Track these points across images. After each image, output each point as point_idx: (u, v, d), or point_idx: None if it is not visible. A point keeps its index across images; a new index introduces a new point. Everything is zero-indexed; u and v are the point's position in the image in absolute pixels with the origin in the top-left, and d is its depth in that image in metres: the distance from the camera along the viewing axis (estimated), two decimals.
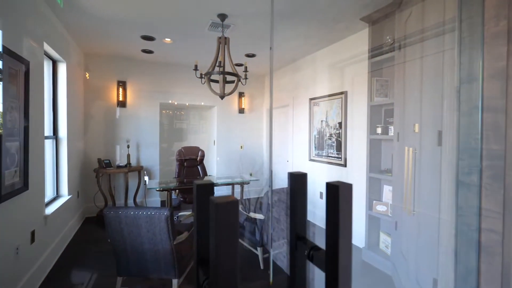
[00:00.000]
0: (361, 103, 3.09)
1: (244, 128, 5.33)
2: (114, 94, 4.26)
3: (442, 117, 1.20)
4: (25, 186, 2.03)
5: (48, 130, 3.00)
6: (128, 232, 1.87)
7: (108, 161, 4.03)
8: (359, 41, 3.10)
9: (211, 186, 0.38)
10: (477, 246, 0.75)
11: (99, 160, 3.97)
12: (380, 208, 2.64)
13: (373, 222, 2.77)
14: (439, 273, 1.24)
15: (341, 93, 3.40)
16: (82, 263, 2.62)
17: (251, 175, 5.35)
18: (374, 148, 2.75)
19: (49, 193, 3.02)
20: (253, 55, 4.09)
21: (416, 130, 1.66)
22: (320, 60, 3.84)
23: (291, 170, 4.55)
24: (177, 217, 3.92)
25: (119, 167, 4.06)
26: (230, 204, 0.29)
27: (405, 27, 2.16)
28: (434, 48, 1.39)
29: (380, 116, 2.76)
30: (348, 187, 0.33)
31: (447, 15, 1.16)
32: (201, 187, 0.38)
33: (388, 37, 2.67)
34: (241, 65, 4.56)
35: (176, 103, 4.73)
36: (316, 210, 3.92)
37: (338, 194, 0.32)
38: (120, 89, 4.27)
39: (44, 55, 2.69)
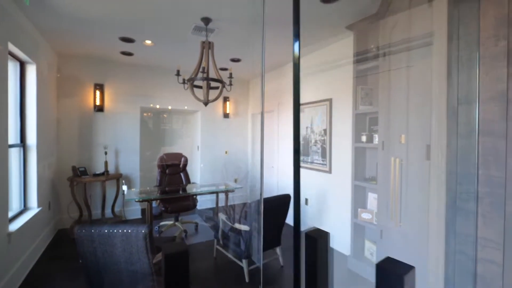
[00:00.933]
0: (346, 110, 3.10)
1: (229, 134, 5.24)
2: (90, 97, 4.02)
3: (431, 132, 1.18)
4: None
5: (14, 138, 2.75)
6: (101, 251, 1.71)
7: (83, 169, 3.78)
8: (345, 49, 3.12)
9: (185, 255, 0.30)
10: (473, 277, 0.72)
11: (74, 168, 3.72)
12: (365, 216, 2.64)
13: (358, 230, 2.76)
14: None
15: (326, 100, 3.40)
16: (51, 284, 2.40)
17: (235, 181, 5.25)
18: (359, 155, 2.75)
19: (15, 206, 2.76)
20: (238, 60, 4.02)
21: (403, 141, 1.65)
22: (305, 67, 3.84)
23: (276, 177, 4.51)
24: (158, 227, 3.74)
25: (95, 175, 3.83)
26: None
27: (390, 38, 2.18)
28: (420, 61, 1.39)
29: (364, 124, 2.77)
30: None
31: (435, 27, 1.15)
32: (172, 258, 0.30)
33: (372, 46, 2.70)
34: (226, 69, 4.47)
35: (158, 107, 4.56)
36: (302, 217, 3.88)
37: None
38: (97, 93, 4.03)
39: (10, 56, 2.46)
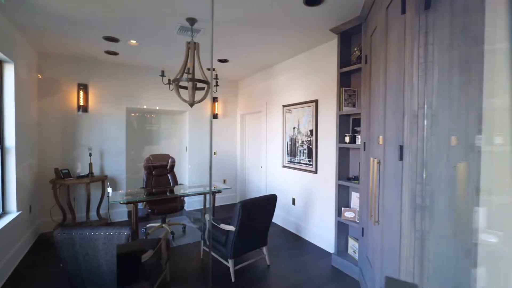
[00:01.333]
0: (331, 111, 3.17)
1: (217, 134, 5.23)
2: (74, 98, 3.93)
3: (404, 133, 1.24)
4: None
5: None
6: (83, 255, 1.69)
7: (67, 171, 3.70)
8: (330, 51, 3.18)
9: (136, 254, 0.32)
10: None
11: (56, 170, 3.63)
12: (348, 214, 2.70)
13: (342, 228, 2.83)
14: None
15: (313, 101, 3.46)
16: None
17: (224, 182, 5.25)
18: (343, 156, 2.82)
19: None
20: (225, 60, 4.02)
21: (380, 142, 1.71)
22: (292, 68, 3.89)
23: (264, 177, 4.54)
24: (145, 229, 3.70)
25: (79, 177, 3.75)
26: None
27: (370, 41, 2.25)
28: (395, 65, 1.45)
29: (348, 125, 2.84)
30: None
31: (407, 33, 1.21)
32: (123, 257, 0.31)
33: (355, 49, 2.77)
34: (214, 69, 4.46)
35: (145, 107, 4.50)
36: (290, 217, 3.93)
37: None
38: (81, 93, 3.95)
39: None
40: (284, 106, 4.03)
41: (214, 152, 5.20)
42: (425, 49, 0.82)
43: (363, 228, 2.40)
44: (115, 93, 4.21)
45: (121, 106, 4.26)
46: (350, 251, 2.82)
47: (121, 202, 2.87)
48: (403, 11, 1.22)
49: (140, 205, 4.23)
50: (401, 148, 1.28)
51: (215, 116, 5.19)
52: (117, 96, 4.22)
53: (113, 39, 3.15)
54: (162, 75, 2.68)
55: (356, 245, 2.69)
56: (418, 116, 0.85)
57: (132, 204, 2.97)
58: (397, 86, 1.37)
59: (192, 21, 2.64)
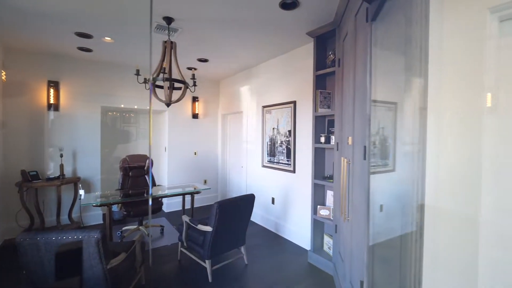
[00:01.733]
0: (308, 112, 3.25)
1: (198, 134, 5.18)
2: (43, 96, 3.73)
3: (366, 134, 1.32)
4: None
5: None
6: (48, 260, 1.62)
7: (35, 173, 3.50)
8: (307, 54, 3.27)
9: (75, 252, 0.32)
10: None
11: (23, 172, 3.43)
12: (323, 212, 2.79)
13: (317, 225, 2.92)
14: (364, 276, 1.35)
15: (291, 102, 3.53)
16: None
17: (205, 182, 5.21)
18: (319, 156, 2.91)
19: None
20: (205, 60, 4.00)
21: (350, 143, 1.79)
22: (272, 69, 3.94)
23: (245, 177, 4.57)
24: (120, 232, 3.59)
25: (49, 179, 3.56)
26: None
27: (342, 45, 2.34)
28: (362, 69, 1.52)
29: (324, 126, 2.93)
30: None
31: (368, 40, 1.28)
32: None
33: (330, 53, 2.87)
34: (195, 69, 4.42)
35: (122, 106, 4.36)
36: (269, 216, 3.98)
37: None
38: (52, 91, 3.76)
39: None
40: (264, 106, 4.08)
41: (195, 153, 5.14)
42: (372, 56, 0.89)
43: (336, 225, 2.49)
44: (89, 91, 4.05)
45: (96, 105, 4.10)
46: (325, 247, 2.91)
47: (94, 204, 2.77)
48: (367, 19, 1.30)
49: (115, 208, 4.10)
50: (365, 148, 1.36)
51: (195, 115, 5.14)
52: (92, 94, 4.06)
53: (86, 35, 3.03)
54: (137, 74, 2.63)
55: (331, 241, 2.79)
56: (370, 119, 0.91)
57: (106, 207, 2.88)
58: (363, 89, 1.44)
59: (168, 20, 2.61)
